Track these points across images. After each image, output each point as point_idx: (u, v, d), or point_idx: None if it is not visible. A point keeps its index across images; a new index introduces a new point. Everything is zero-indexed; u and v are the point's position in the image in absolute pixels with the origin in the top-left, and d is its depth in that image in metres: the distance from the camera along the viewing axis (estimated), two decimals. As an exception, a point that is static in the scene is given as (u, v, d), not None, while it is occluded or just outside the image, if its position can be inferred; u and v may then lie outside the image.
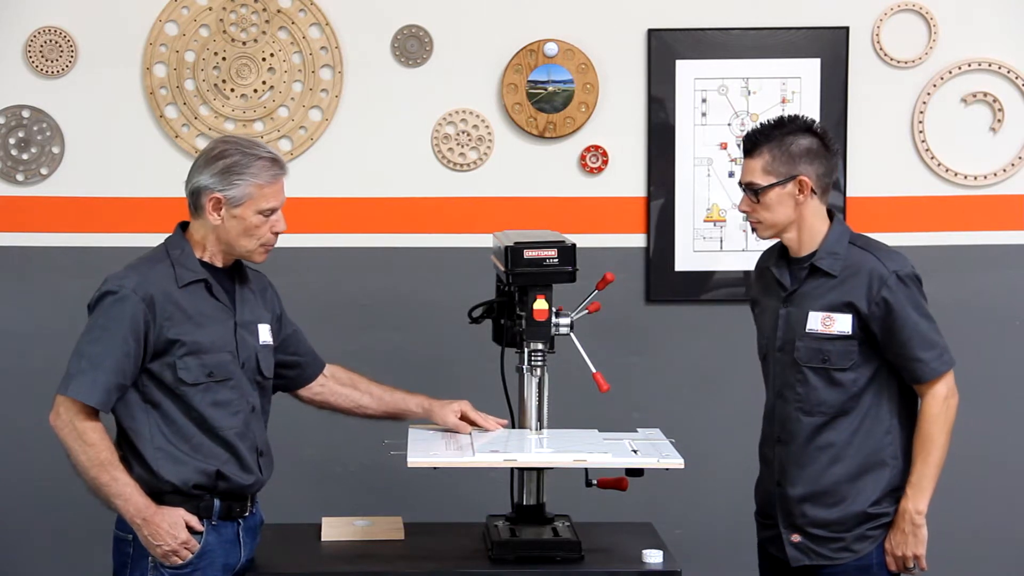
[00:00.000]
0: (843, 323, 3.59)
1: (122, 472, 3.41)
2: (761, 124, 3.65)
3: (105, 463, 3.39)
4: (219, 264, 3.55)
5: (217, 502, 3.49)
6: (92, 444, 3.39)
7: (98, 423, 3.42)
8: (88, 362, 3.41)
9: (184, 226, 3.59)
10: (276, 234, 3.54)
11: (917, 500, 3.58)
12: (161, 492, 3.44)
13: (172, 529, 3.42)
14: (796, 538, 3.65)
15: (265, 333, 3.62)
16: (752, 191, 3.62)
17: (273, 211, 3.51)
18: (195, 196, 3.52)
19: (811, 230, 3.64)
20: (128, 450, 3.46)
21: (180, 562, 3.44)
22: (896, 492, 3.62)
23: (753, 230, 3.69)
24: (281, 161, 3.53)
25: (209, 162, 3.50)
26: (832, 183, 3.68)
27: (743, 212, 3.68)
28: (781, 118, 3.66)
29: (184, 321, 3.45)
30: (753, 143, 3.62)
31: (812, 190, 3.60)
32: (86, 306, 3.51)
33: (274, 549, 3.74)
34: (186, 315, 3.46)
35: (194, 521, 3.45)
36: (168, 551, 3.42)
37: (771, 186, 3.60)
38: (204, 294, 3.50)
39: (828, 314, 3.60)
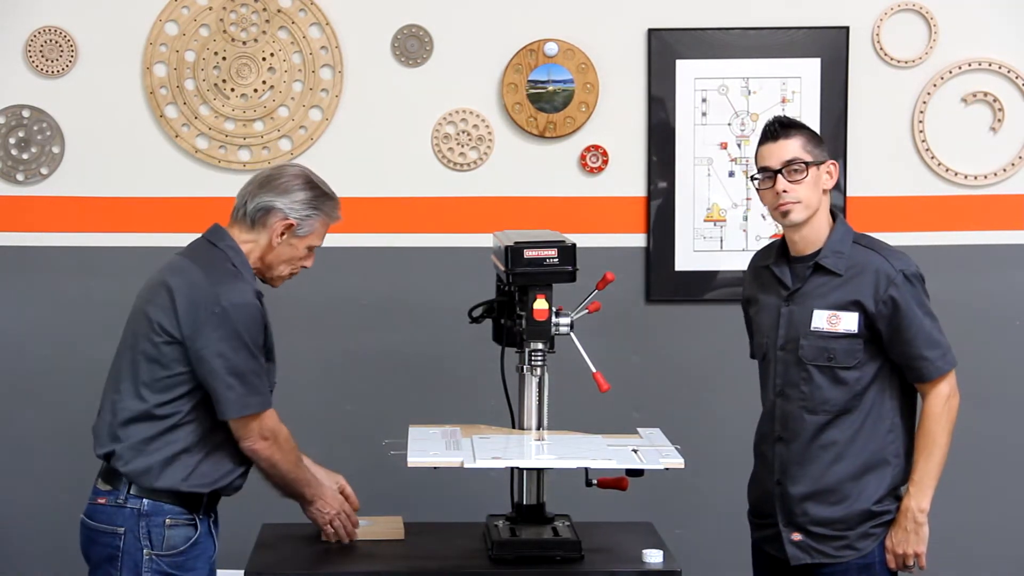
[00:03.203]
0: (849, 321, 3.60)
1: (303, 462, 3.63)
2: (780, 116, 3.72)
3: (300, 459, 3.62)
4: None
5: (205, 497, 3.52)
6: (292, 449, 3.58)
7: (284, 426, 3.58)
8: (254, 375, 3.48)
9: (216, 231, 3.60)
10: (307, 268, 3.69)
11: (920, 498, 3.60)
12: (161, 490, 3.46)
13: (335, 495, 3.71)
14: (797, 537, 3.66)
15: None
16: (795, 169, 3.61)
17: (314, 248, 3.65)
18: (262, 213, 3.56)
19: (817, 226, 3.66)
20: (157, 449, 3.47)
21: (340, 526, 3.70)
22: (898, 490, 3.64)
23: (784, 215, 3.64)
24: (338, 202, 3.69)
25: (291, 188, 3.58)
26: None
27: (782, 192, 3.61)
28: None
29: (268, 329, 3.59)
30: (787, 126, 3.65)
31: (831, 187, 3.67)
32: (189, 317, 3.45)
33: (274, 549, 3.74)
34: (268, 324, 3.60)
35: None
36: (333, 515, 3.67)
37: (815, 163, 3.62)
38: None
39: (834, 312, 3.61)
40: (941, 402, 3.60)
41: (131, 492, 3.47)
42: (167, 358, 3.45)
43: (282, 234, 3.56)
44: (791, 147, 3.63)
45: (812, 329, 3.62)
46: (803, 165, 3.61)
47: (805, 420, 3.64)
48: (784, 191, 3.62)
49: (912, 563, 3.63)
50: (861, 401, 3.62)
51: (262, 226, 3.56)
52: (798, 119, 3.75)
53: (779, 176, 3.62)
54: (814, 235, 3.66)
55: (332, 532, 3.72)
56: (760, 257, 3.85)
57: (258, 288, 3.55)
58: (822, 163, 3.65)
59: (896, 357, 3.62)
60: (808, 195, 3.63)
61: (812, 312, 3.63)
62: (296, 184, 3.58)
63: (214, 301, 3.43)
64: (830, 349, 3.61)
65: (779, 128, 3.65)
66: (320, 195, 3.61)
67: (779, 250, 3.75)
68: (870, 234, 3.74)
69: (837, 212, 3.72)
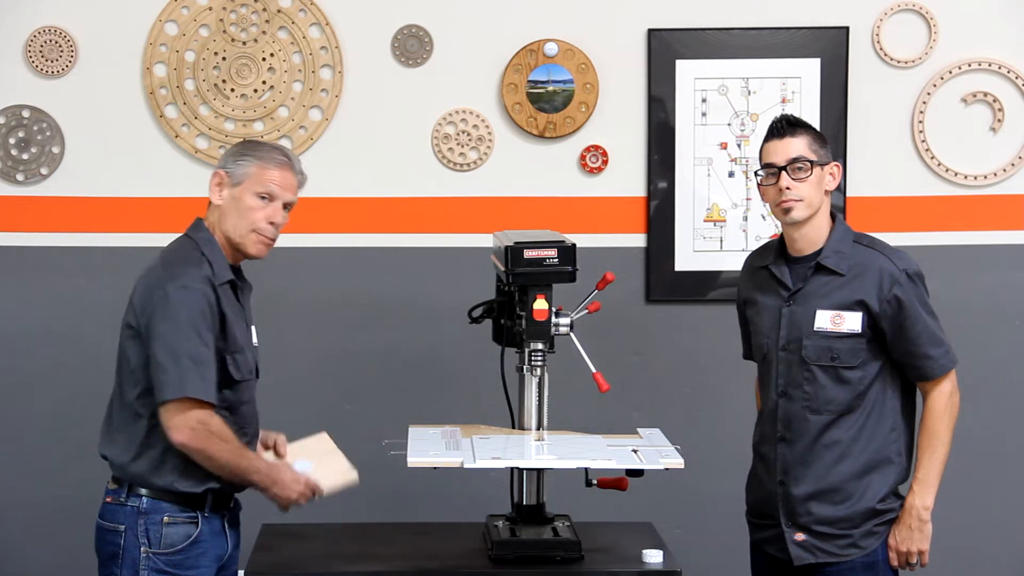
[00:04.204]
0: (853, 321, 3.61)
1: (249, 450, 3.48)
2: (791, 114, 3.73)
3: (241, 449, 3.44)
4: (231, 263, 3.57)
5: (210, 495, 3.50)
6: (229, 439, 3.41)
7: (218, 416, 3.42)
8: (190, 360, 3.37)
9: (195, 223, 3.59)
10: (274, 226, 3.54)
11: (924, 496, 3.61)
12: (159, 489, 3.46)
13: (296, 477, 3.51)
14: (800, 537, 3.66)
15: (254, 334, 3.68)
16: (799, 168, 3.62)
17: (271, 197, 3.52)
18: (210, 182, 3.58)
19: (818, 226, 3.67)
20: (145, 449, 3.46)
21: (303, 503, 3.53)
22: (901, 488, 3.65)
23: (786, 212, 3.65)
24: (289, 154, 3.57)
25: (228, 151, 3.59)
26: None
27: (785, 189, 3.62)
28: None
29: (226, 319, 3.49)
30: (795, 124, 3.67)
31: (834, 188, 3.68)
32: (139, 300, 3.45)
33: (274, 549, 3.74)
34: (225, 313, 3.50)
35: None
36: (296, 497, 3.51)
37: (819, 163, 3.64)
38: (231, 295, 3.54)
39: (838, 312, 3.62)
40: (944, 400, 3.62)
41: (132, 490, 3.47)
42: (131, 351, 3.45)
43: (220, 189, 3.52)
44: (797, 145, 3.64)
45: (815, 329, 3.63)
46: (808, 164, 3.62)
47: (809, 420, 3.64)
48: (787, 188, 3.63)
49: (915, 560, 3.64)
50: (864, 400, 3.63)
51: (210, 192, 3.56)
52: (804, 119, 3.75)
53: (783, 173, 3.63)
54: (815, 235, 3.67)
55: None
56: (756, 258, 3.85)
57: (217, 277, 3.47)
58: (826, 164, 3.66)
59: (899, 356, 3.62)
60: (810, 194, 3.63)
61: (815, 312, 3.64)
62: (233, 146, 3.61)
63: (160, 286, 3.42)
64: (834, 349, 3.62)
65: (786, 126, 3.66)
66: (250, 143, 3.60)
67: (777, 250, 3.75)
68: (869, 234, 3.75)
69: (836, 212, 3.73)
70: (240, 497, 3.61)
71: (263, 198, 3.51)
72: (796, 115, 3.74)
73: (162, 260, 3.50)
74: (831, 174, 3.67)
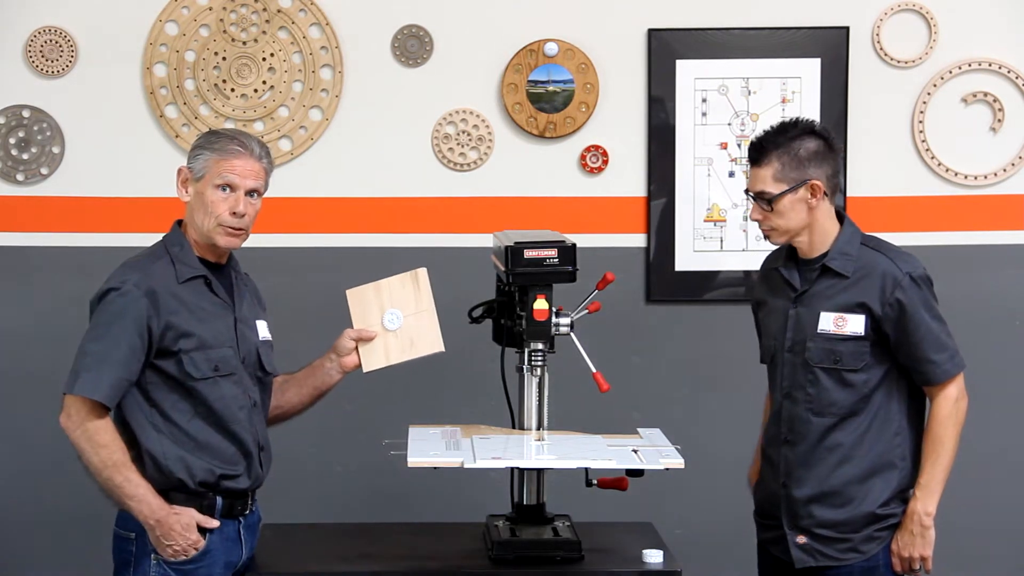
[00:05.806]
0: (855, 324, 3.58)
1: (135, 473, 3.40)
2: (765, 132, 3.63)
3: (118, 464, 3.39)
4: (211, 259, 3.56)
5: (219, 500, 3.49)
6: (104, 445, 3.38)
7: (109, 422, 3.41)
8: (93, 359, 3.40)
9: (180, 224, 3.60)
10: (238, 216, 3.50)
11: (926, 502, 3.58)
12: (164, 491, 3.44)
13: (185, 531, 3.43)
14: (802, 539, 3.64)
15: (264, 329, 3.66)
16: (764, 200, 3.61)
17: (232, 188, 3.50)
18: None
19: (822, 231, 3.63)
20: (132, 448, 3.46)
21: (185, 557, 3.44)
22: (904, 493, 3.62)
23: (766, 237, 3.66)
24: (244, 141, 3.53)
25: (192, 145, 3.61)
26: (838, 183, 3.68)
27: (755, 220, 3.65)
28: (783, 123, 3.63)
29: (187, 316, 3.46)
30: (760, 151, 3.60)
31: (824, 192, 3.60)
32: (88, 306, 3.50)
33: (274, 549, 3.74)
34: (188, 310, 3.47)
35: (206, 520, 3.46)
36: (178, 550, 3.43)
37: (783, 193, 3.58)
38: (204, 290, 3.52)
39: (840, 315, 3.59)
40: (948, 405, 3.57)
41: None
42: None
43: (185, 186, 3.53)
44: (761, 177, 3.59)
45: (819, 331, 3.61)
46: (767, 203, 3.58)
47: (811, 422, 3.62)
48: (758, 219, 3.63)
49: (918, 567, 3.61)
50: (868, 404, 3.60)
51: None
52: (784, 131, 3.61)
53: (754, 203, 3.62)
54: (818, 240, 3.64)
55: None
56: (770, 260, 3.82)
57: (180, 274, 3.47)
58: (799, 187, 3.58)
59: (903, 360, 3.60)
60: (783, 222, 3.60)
61: (819, 314, 3.61)
62: (195, 140, 3.61)
63: (102, 288, 3.47)
64: (836, 351, 3.59)
65: (752, 152, 3.62)
66: (209, 135, 3.58)
67: (788, 252, 3.72)
68: (877, 236, 3.73)
69: (844, 213, 3.69)
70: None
71: (224, 189, 3.50)
72: (770, 127, 3.62)
73: (122, 263, 3.53)
74: (810, 191, 3.59)
